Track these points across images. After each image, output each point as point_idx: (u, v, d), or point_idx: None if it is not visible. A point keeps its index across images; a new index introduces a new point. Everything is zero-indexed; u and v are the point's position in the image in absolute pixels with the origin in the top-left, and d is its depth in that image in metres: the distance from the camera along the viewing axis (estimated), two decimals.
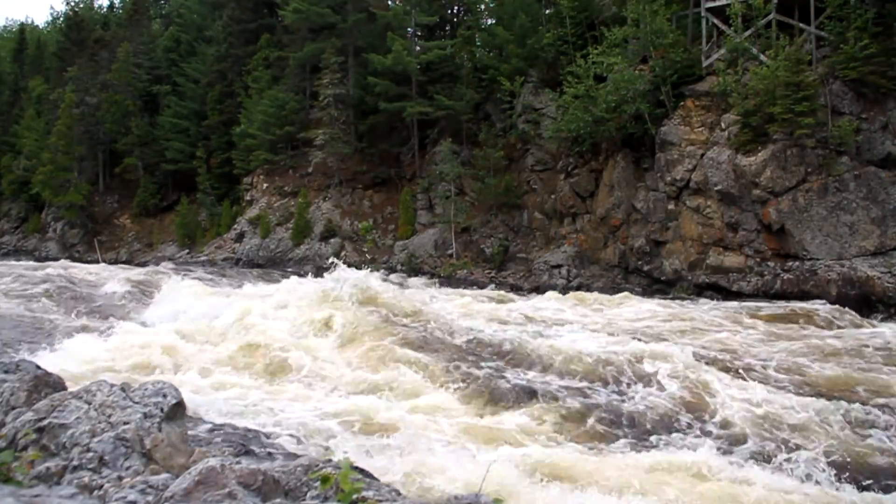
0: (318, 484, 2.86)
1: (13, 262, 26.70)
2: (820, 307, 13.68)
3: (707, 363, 8.85)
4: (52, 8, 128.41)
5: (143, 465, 3.02)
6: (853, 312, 13.32)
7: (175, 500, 2.50)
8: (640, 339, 10.22)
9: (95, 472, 2.95)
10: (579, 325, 11.84)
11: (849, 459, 6.20)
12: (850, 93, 17.03)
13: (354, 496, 2.47)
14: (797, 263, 16.47)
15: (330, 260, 12.51)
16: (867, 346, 10.35)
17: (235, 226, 32.93)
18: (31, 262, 27.05)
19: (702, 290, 18.02)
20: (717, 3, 20.10)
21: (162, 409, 3.31)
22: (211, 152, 36.42)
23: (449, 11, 33.56)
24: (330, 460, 3.44)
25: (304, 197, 30.53)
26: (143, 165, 40.02)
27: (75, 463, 2.99)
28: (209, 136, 36.86)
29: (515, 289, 21.34)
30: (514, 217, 25.18)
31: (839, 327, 12.35)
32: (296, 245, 29.54)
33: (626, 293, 16.61)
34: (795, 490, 5.50)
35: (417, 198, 28.33)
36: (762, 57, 18.33)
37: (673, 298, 17.13)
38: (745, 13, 18.74)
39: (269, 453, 4.73)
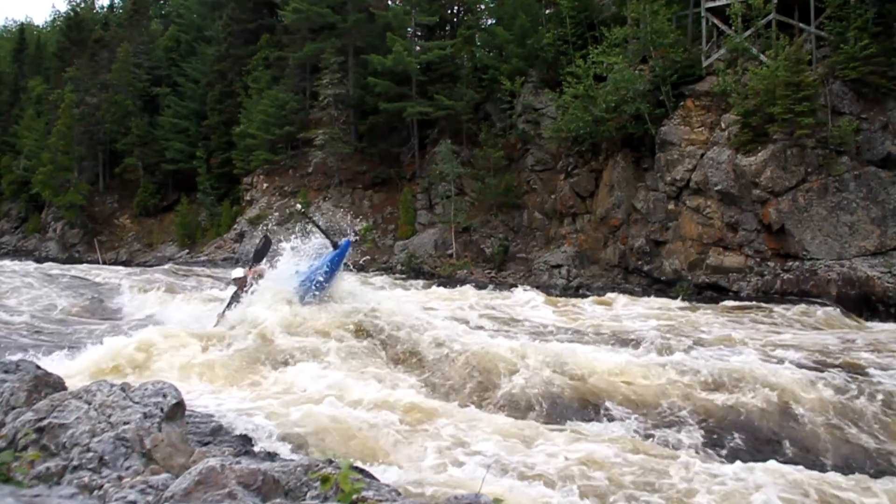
0: (318, 484, 2.86)
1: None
2: None
3: None
4: (53, 7, 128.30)
5: (143, 465, 3.02)
6: None
7: (175, 500, 2.49)
8: None
9: (95, 472, 2.95)
10: None
11: None
12: (850, 93, 17.02)
13: (354, 496, 2.47)
14: (797, 263, 16.46)
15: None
16: None
17: (235, 226, 32.93)
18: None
19: (702, 290, 18.01)
20: (717, 3, 20.09)
21: (162, 409, 3.31)
22: (211, 152, 36.43)
23: (449, 11, 33.55)
24: (330, 461, 3.44)
25: (304, 197, 30.53)
26: (143, 165, 40.02)
27: (75, 463, 2.99)
28: (209, 136, 36.88)
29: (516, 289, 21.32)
30: (514, 217, 25.18)
31: None
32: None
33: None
34: None
35: (417, 198, 28.33)
36: (762, 57, 18.32)
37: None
38: (745, 13, 18.72)
39: (269, 453, 4.73)
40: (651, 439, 6.32)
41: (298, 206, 10.24)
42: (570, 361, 7.86)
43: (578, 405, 7.10)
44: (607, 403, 7.03)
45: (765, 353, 9.23)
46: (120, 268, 26.18)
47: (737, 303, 15.76)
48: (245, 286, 10.40)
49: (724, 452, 6.23)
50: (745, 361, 8.01)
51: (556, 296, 18.41)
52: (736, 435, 6.47)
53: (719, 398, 7.01)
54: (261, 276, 10.61)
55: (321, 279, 10.16)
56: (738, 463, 5.66)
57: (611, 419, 6.80)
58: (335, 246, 10.22)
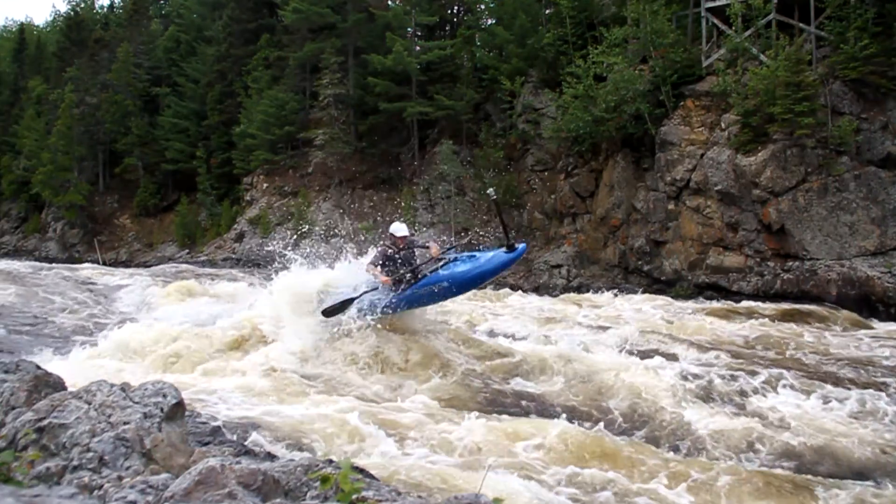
0: (318, 484, 2.86)
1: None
2: None
3: None
4: (53, 7, 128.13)
5: (143, 465, 3.02)
6: None
7: (175, 500, 2.49)
8: None
9: (95, 472, 2.94)
10: None
11: None
12: (850, 93, 17.02)
13: (354, 496, 2.47)
14: (797, 263, 16.46)
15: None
16: None
17: (235, 226, 32.91)
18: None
19: (702, 290, 18.02)
20: (717, 3, 20.10)
21: (162, 409, 3.31)
22: (211, 152, 36.43)
23: (449, 11, 33.54)
24: (330, 460, 3.44)
25: (304, 197, 30.53)
26: (143, 165, 40.03)
27: (75, 463, 2.99)
28: (209, 136, 36.87)
29: (515, 289, 21.30)
30: (514, 217, 25.18)
31: None
32: (296, 245, 29.52)
33: None
34: None
35: (417, 198, 28.33)
36: (762, 57, 18.32)
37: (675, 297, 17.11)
38: (745, 13, 18.73)
39: (269, 453, 4.73)
40: None
41: (491, 191, 8.37)
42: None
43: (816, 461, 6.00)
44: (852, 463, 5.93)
45: None
46: (141, 270, 26.06)
47: (754, 303, 15.30)
48: (403, 248, 8.66)
49: None
50: None
51: (555, 295, 18.34)
52: None
53: None
54: (413, 245, 8.84)
55: (448, 283, 8.20)
56: None
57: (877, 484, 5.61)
58: (510, 248, 8.09)
